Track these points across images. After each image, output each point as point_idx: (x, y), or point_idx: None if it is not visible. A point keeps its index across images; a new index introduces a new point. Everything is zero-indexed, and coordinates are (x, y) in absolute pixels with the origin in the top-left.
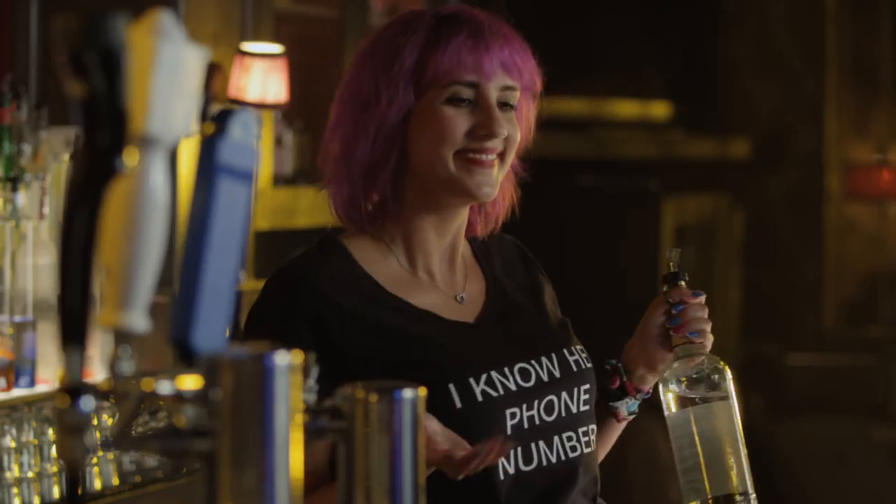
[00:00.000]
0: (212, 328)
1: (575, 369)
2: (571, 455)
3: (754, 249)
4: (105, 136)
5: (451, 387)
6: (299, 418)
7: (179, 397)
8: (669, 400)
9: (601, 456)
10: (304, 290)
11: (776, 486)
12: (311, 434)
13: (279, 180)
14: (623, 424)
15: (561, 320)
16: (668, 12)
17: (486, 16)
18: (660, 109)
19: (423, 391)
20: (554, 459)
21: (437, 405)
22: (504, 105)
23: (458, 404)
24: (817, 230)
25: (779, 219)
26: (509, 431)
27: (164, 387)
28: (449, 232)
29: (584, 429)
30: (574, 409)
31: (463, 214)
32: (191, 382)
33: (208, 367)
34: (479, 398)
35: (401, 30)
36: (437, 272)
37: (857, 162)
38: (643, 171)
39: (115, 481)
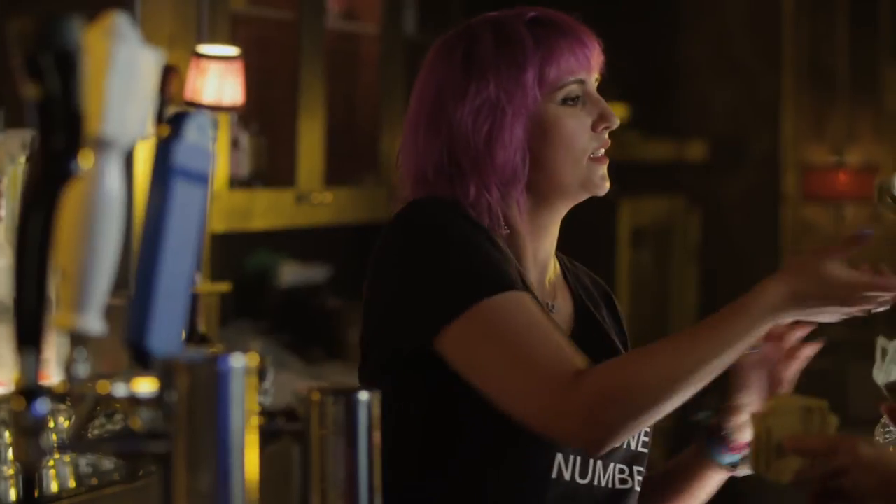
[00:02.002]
0: (167, 331)
1: None
2: (620, 486)
3: (711, 251)
4: (60, 139)
5: None
6: (254, 420)
7: (135, 400)
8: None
9: None
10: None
11: (736, 489)
12: (266, 436)
13: (235, 183)
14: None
15: None
16: (625, 15)
17: (563, 13)
18: (616, 111)
19: (377, 396)
20: (604, 483)
21: None
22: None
23: None
24: (774, 232)
25: (735, 221)
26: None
27: (120, 389)
28: (545, 239)
29: (639, 468)
30: (633, 446)
31: (558, 224)
32: (146, 385)
33: (163, 370)
34: None
35: (502, 38)
36: (531, 275)
37: (814, 164)
38: None
39: (72, 484)
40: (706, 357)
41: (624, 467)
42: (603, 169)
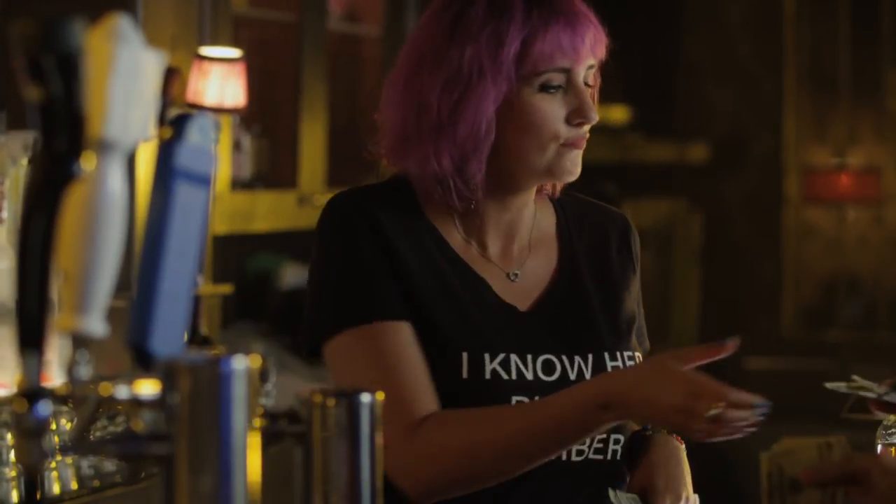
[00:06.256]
0: (169, 332)
1: None
2: (576, 458)
3: (712, 253)
4: (63, 141)
5: (464, 355)
6: (256, 422)
7: (137, 402)
8: None
9: None
10: (361, 214)
11: (736, 491)
12: (268, 438)
13: (237, 184)
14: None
15: (626, 321)
16: (627, 17)
17: None
18: (618, 113)
19: (380, 395)
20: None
21: (447, 370)
22: (586, 84)
23: (465, 374)
24: (775, 234)
25: (737, 223)
26: None
27: (122, 391)
28: (510, 209)
29: (602, 436)
30: None
31: (531, 192)
32: (148, 387)
33: (166, 372)
34: (487, 375)
35: (493, 11)
36: (491, 245)
37: (816, 166)
38: (601, 174)
39: (74, 485)
40: (533, 446)
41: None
42: (574, 155)
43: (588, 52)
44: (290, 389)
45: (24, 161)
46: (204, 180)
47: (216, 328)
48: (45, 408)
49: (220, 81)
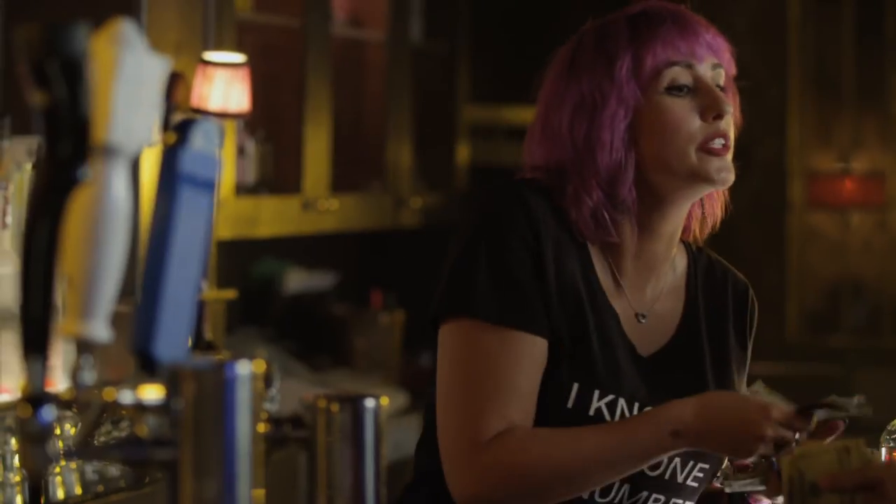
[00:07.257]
0: (173, 338)
1: None
2: None
3: None
4: (67, 146)
5: (575, 386)
6: (261, 427)
7: (141, 407)
8: None
9: None
10: (527, 218)
11: None
12: (272, 443)
13: (241, 190)
14: None
15: None
16: None
17: (676, 6)
18: None
19: (384, 400)
20: None
21: (554, 395)
22: (716, 86)
23: (570, 405)
24: (780, 239)
25: (741, 227)
26: None
27: (126, 396)
28: (659, 237)
29: (679, 501)
30: (679, 479)
31: (681, 216)
32: (152, 392)
33: (170, 377)
34: (591, 412)
35: (600, 36)
36: (627, 276)
37: (820, 171)
38: None
39: (78, 490)
40: (604, 469)
41: (660, 497)
42: (718, 162)
43: (706, 51)
44: (295, 394)
45: (28, 166)
46: (208, 185)
47: (220, 333)
48: (49, 413)
49: (225, 86)
